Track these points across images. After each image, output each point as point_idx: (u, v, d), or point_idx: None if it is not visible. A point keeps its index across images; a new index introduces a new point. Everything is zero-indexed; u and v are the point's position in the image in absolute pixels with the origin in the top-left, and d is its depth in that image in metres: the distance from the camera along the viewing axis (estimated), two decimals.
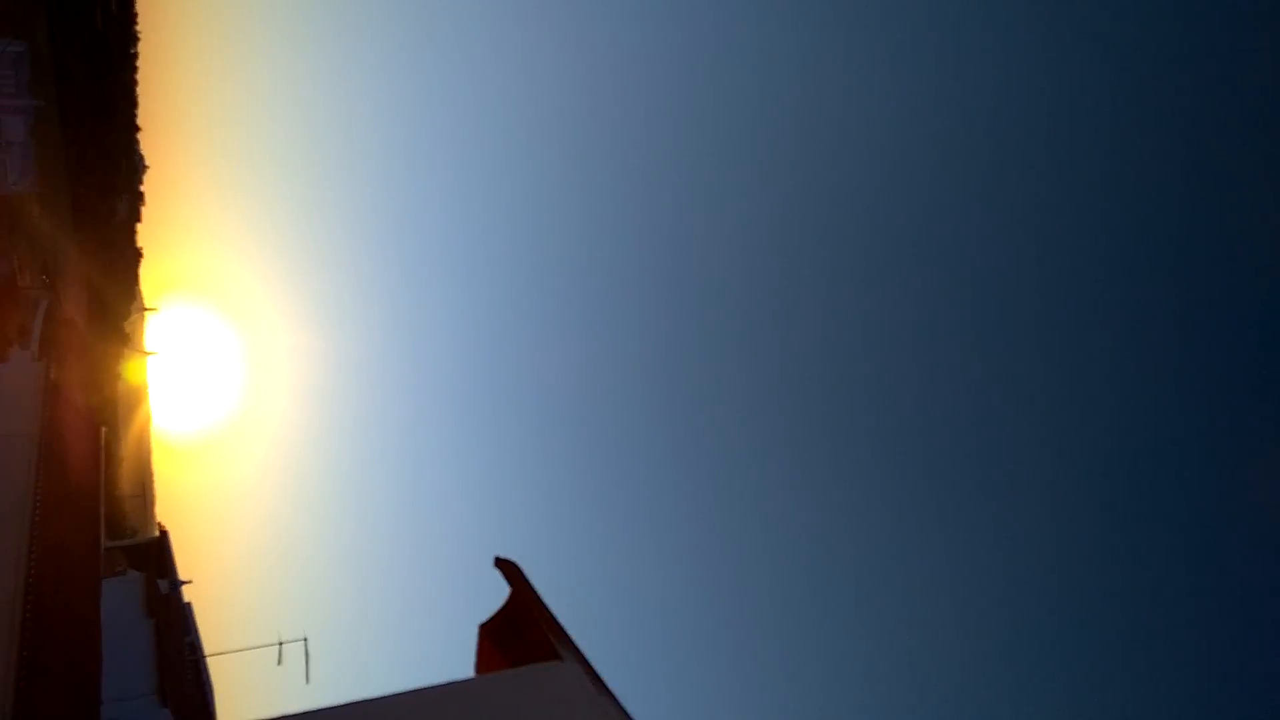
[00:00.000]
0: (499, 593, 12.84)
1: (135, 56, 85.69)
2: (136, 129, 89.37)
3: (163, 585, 17.97)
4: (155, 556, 19.77)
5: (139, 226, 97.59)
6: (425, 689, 10.38)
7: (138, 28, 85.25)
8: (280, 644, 17.74)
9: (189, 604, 19.42)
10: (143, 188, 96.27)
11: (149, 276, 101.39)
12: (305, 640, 17.82)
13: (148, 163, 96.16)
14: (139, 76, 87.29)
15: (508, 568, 12.67)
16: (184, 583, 19.51)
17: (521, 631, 11.78)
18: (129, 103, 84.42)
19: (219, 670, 18.16)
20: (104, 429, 20.47)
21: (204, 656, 17.80)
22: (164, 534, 21.23)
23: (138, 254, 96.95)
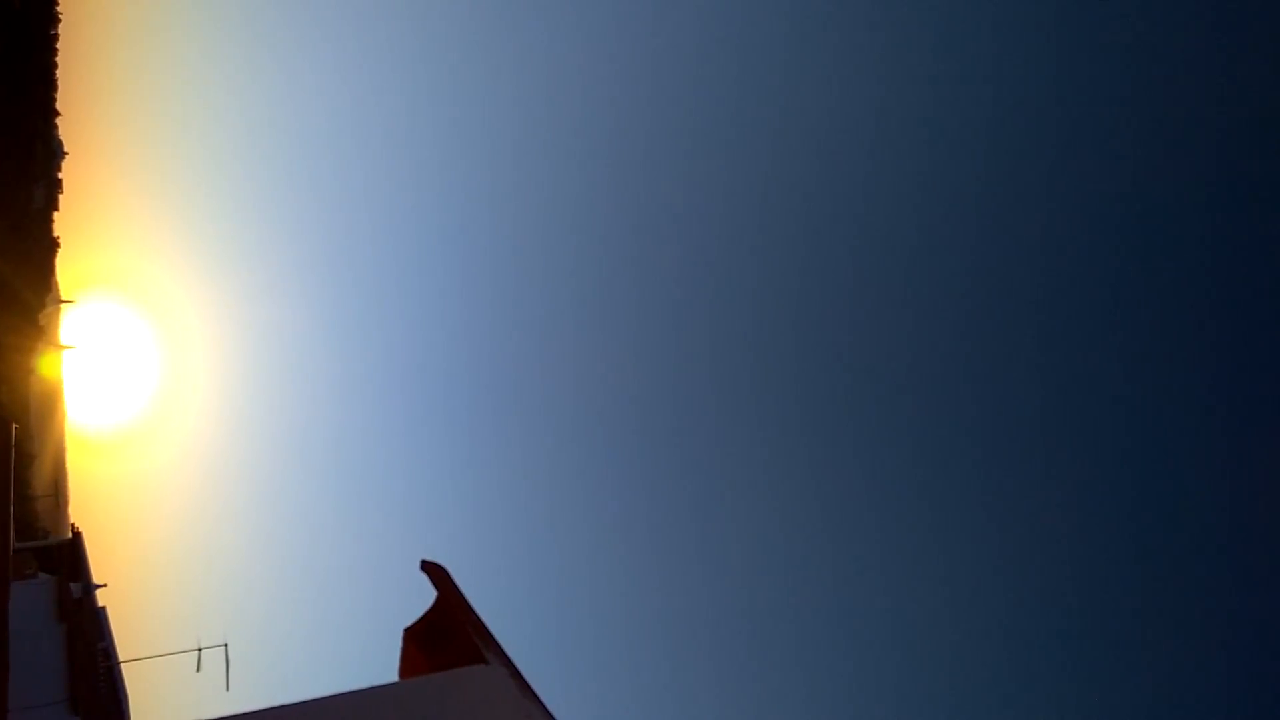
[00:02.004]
0: (425, 596, 12.84)
1: (55, 38, 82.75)
2: (55, 113, 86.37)
3: (75, 589, 17.49)
4: (68, 559, 19.25)
5: (56, 215, 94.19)
6: (347, 694, 10.35)
7: (59, 7, 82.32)
8: (200, 650, 17.41)
9: (103, 608, 18.91)
10: (61, 175, 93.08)
11: (67, 268, 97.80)
12: (225, 646, 17.51)
13: (67, 149, 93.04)
14: (59, 59, 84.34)
15: (434, 571, 12.67)
16: (98, 586, 19.01)
17: (447, 635, 11.81)
18: (48, 86, 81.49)
19: (135, 677, 17.73)
20: (14, 426, 19.86)
21: (119, 663, 17.35)
22: (78, 535, 20.65)
23: (54, 244, 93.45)
